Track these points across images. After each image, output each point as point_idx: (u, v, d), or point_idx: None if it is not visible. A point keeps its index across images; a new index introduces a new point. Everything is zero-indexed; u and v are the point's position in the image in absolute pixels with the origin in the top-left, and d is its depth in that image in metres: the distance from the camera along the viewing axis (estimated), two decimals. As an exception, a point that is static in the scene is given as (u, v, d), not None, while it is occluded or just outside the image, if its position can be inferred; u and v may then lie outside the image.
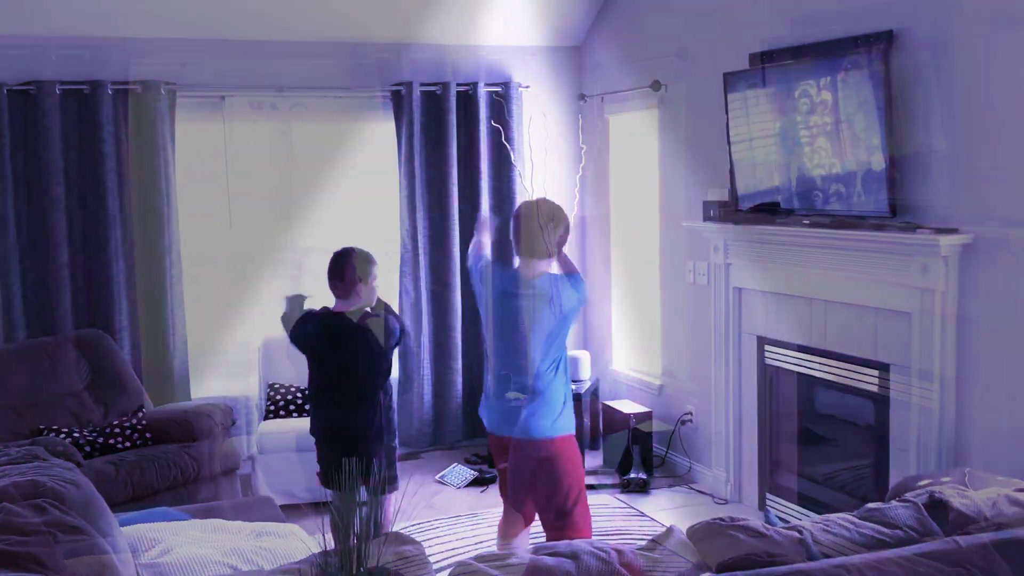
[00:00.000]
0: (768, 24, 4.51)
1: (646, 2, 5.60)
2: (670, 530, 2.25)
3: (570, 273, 3.49)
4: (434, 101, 5.85)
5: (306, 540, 3.23)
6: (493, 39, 6.00)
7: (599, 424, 5.81)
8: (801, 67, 4.15)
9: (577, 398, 5.45)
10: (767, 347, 4.66)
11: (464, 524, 4.78)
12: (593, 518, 3.60)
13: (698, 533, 2.22)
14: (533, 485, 3.47)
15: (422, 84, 5.80)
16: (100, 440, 4.56)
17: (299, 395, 5.37)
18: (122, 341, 5.29)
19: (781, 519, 4.41)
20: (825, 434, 4.58)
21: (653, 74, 5.45)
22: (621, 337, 6.17)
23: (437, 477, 5.48)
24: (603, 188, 6.16)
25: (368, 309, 3.73)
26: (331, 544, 1.97)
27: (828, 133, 4.04)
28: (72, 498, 2.55)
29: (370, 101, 5.82)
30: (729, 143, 4.62)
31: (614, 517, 4.83)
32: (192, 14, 5.27)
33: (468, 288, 6.03)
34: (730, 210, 4.68)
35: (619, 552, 2.10)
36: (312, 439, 3.88)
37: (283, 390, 5.38)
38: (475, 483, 5.38)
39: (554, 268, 3.49)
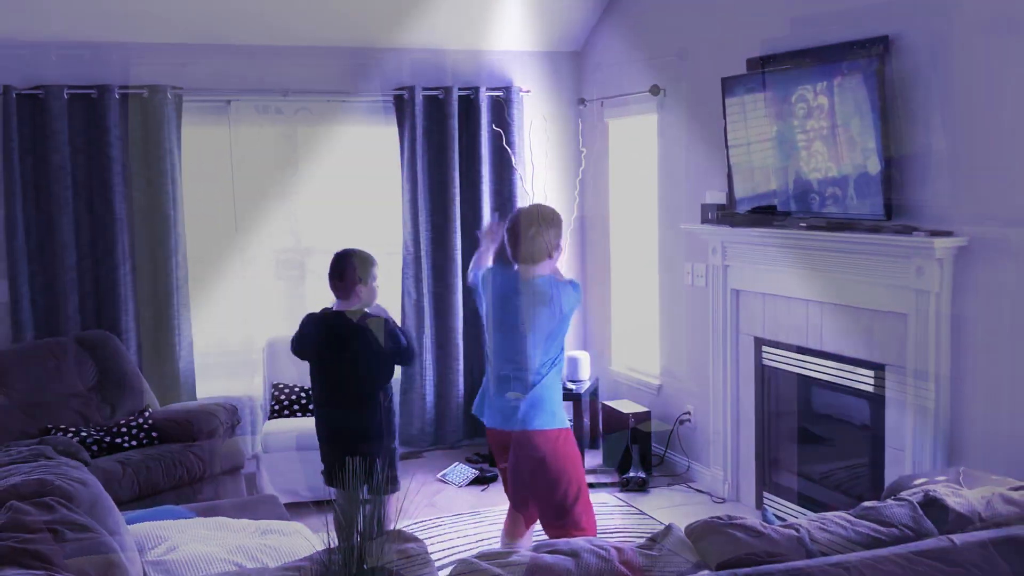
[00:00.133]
0: (766, 29, 4.55)
1: (645, 7, 5.64)
2: (669, 528, 2.26)
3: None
4: (436, 105, 5.90)
5: (310, 538, 3.26)
6: (494, 44, 6.04)
7: (599, 424, 5.85)
8: (798, 72, 4.19)
9: (577, 398, 5.49)
10: (764, 348, 4.71)
11: (466, 522, 4.82)
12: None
13: (697, 531, 2.23)
14: (533, 481, 3.50)
15: (424, 88, 5.85)
16: (107, 439, 4.61)
17: (303, 395, 5.42)
18: (128, 342, 5.33)
19: (778, 517, 4.46)
20: (822, 434, 4.61)
21: (652, 79, 5.49)
22: (620, 338, 6.21)
23: (439, 476, 5.53)
24: (603, 191, 6.20)
25: (366, 310, 3.77)
26: (335, 542, 2.00)
27: (825, 137, 4.09)
28: (79, 496, 2.56)
29: (373, 105, 5.87)
30: (727, 147, 4.67)
31: (613, 515, 4.87)
32: (198, 19, 5.32)
33: (469, 289, 6.07)
34: (728, 213, 4.72)
35: (619, 550, 2.12)
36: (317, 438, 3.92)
37: (287, 390, 5.43)
38: (476, 482, 5.43)
39: (551, 270, 3.53)
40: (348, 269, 3.71)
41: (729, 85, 4.60)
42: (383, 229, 5.96)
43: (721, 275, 4.91)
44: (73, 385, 4.84)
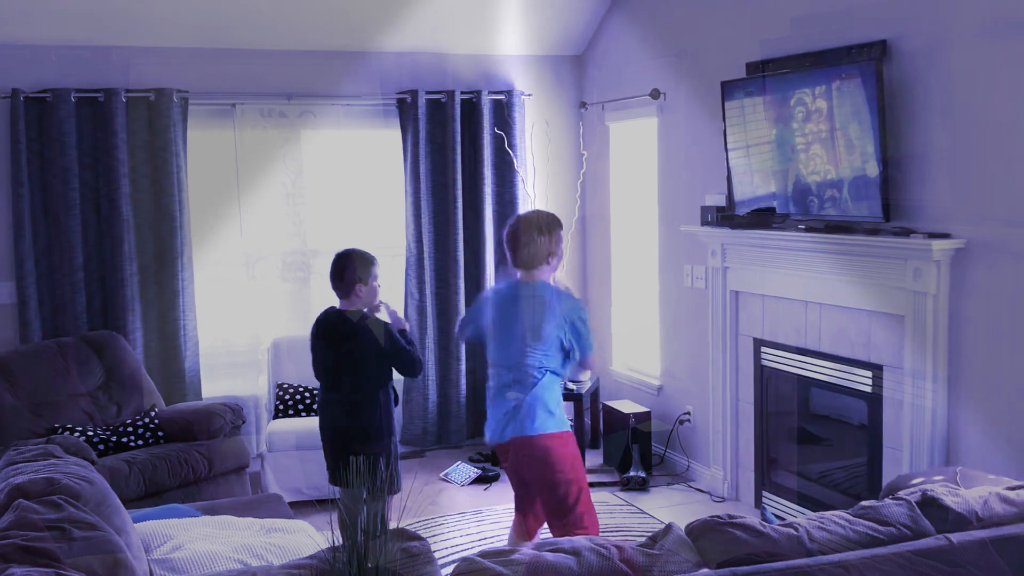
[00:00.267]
0: (765, 33, 4.58)
1: (646, 13, 5.66)
2: (669, 527, 2.26)
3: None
4: (439, 108, 5.93)
5: (314, 536, 3.29)
6: (496, 48, 6.07)
7: (599, 424, 5.88)
8: (797, 75, 4.22)
9: (578, 398, 5.52)
10: (763, 349, 4.73)
11: (468, 521, 4.85)
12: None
13: (696, 530, 2.24)
14: (534, 483, 3.53)
15: (427, 92, 5.88)
16: (113, 439, 4.64)
17: (307, 395, 5.45)
18: (135, 342, 5.37)
19: (777, 517, 4.49)
20: (820, 433, 4.64)
21: (652, 82, 5.52)
22: (621, 339, 6.24)
23: (441, 475, 5.56)
24: (603, 193, 6.22)
25: (364, 310, 3.80)
26: (339, 540, 2.02)
27: (823, 140, 4.12)
28: (86, 495, 2.57)
29: (376, 108, 5.90)
30: (726, 150, 4.70)
31: (614, 514, 4.89)
32: (204, 23, 5.35)
33: (471, 290, 6.11)
34: (727, 215, 4.74)
35: (619, 548, 2.13)
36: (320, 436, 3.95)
37: (291, 390, 5.46)
38: (478, 481, 5.46)
39: (550, 275, 3.54)
40: (348, 269, 3.74)
41: (729, 89, 4.62)
42: (386, 231, 6.00)
43: (720, 277, 4.94)
44: (80, 385, 4.87)
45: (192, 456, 4.56)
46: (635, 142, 5.94)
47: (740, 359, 4.90)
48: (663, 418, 5.63)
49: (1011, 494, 2.51)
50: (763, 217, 4.50)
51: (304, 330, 5.67)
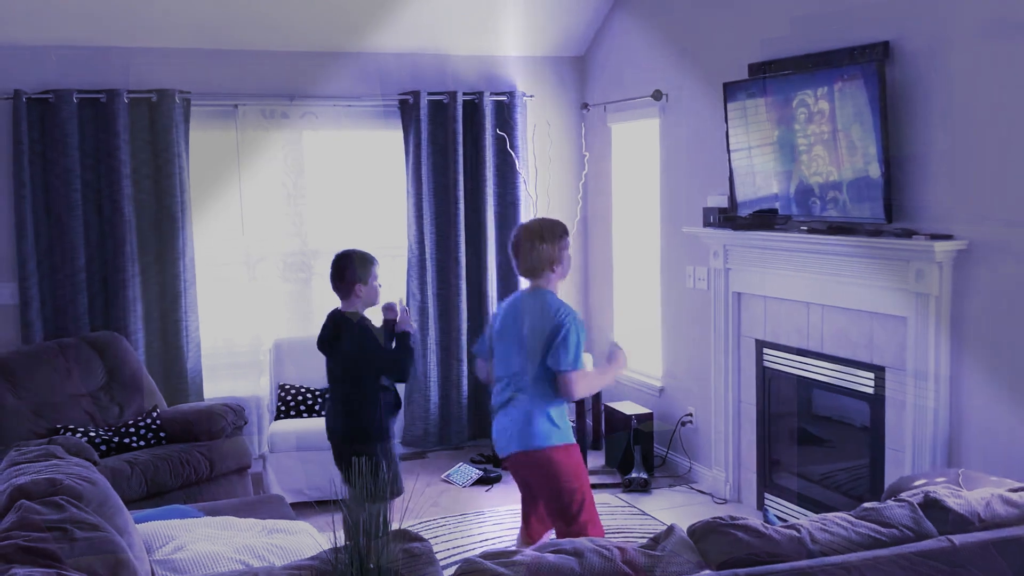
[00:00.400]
0: (767, 35, 4.58)
1: (648, 14, 5.67)
2: (671, 529, 2.27)
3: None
4: (441, 110, 5.93)
5: (316, 537, 3.30)
6: (498, 49, 6.08)
7: (601, 425, 5.88)
8: (799, 77, 4.22)
9: (580, 400, 5.52)
10: (766, 350, 4.73)
11: (470, 522, 4.85)
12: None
13: (698, 532, 2.25)
14: (539, 495, 3.52)
15: (429, 93, 5.89)
16: (115, 439, 4.64)
17: (309, 395, 5.46)
18: (137, 343, 5.37)
19: (779, 518, 4.48)
20: (822, 435, 4.64)
21: (654, 84, 5.53)
22: (623, 340, 6.20)
23: (443, 476, 5.56)
24: (605, 194, 6.23)
25: (363, 312, 3.81)
26: (341, 541, 2.02)
27: (825, 141, 4.12)
28: (88, 495, 2.57)
29: (378, 109, 5.90)
30: (728, 151, 4.70)
31: (616, 516, 4.89)
32: (206, 24, 5.36)
33: (472, 291, 6.12)
34: (729, 216, 4.75)
35: (621, 550, 2.13)
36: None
37: (293, 390, 5.46)
38: (480, 482, 5.46)
39: (556, 283, 3.50)
40: (347, 270, 3.75)
41: (731, 90, 4.63)
42: (388, 232, 6.01)
43: (723, 278, 4.94)
44: (81, 386, 4.88)
45: (194, 457, 4.57)
46: (637, 143, 5.94)
47: (742, 360, 4.90)
48: (665, 419, 5.63)
49: (1013, 496, 2.51)
50: (765, 218, 4.50)
51: (306, 331, 5.71)
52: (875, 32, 3.95)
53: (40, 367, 4.80)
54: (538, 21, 5.98)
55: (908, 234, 3.77)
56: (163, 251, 5.45)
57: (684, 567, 2.12)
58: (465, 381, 6.08)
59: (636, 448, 5.41)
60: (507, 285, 6.16)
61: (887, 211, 3.86)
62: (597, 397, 5.93)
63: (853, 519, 2.35)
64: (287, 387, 5.48)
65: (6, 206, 5.23)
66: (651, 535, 2.28)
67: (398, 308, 3.82)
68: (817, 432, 4.65)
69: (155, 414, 4.87)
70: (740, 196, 4.68)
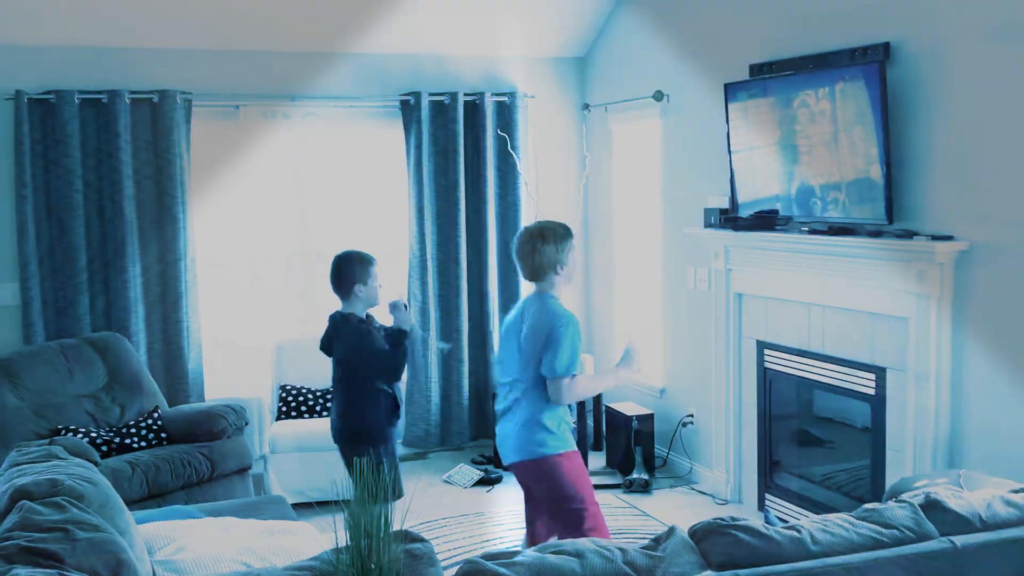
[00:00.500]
0: (768, 35, 4.59)
1: (649, 14, 5.67)
2: (672, 530, 2.26)
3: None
4: (442, 110, 5.94)
5: (318, 538, 3.30)
6: (500, 50, 6.08)
7: (602, 426, 5.88)
8: (800, 77, 4.22)
9: (581, 401, 5.52)
10: (767, 351, 4.73)
11: (471, 523, 4.85)
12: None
13: (700, 532, 2.25)
14: (538, 503, 3.51)
15: (430, 94, 5.89)
16: (116, 440, 4.65)
17: (310, 396, 5.46)
18: (138, 343, 5.38)
19: (780, 519, 4.48)
20: (823, 436, 4.64)
21: (656, 84, 5.53)
22: (624, 341, 6.22)
23: (444, 477, 5.56)
24: (606, 195, 6.23)
25: (367, 313, 3.81)
26: (342, 542, 2.02)
27: (827, 142, 4.12)
28: (90, 496, 2.57)
29: (380, 110, 5.91)
30: (730, 151, 4.70)
31: (617, 517, 4.89)
32: (207, 24, 5.36)
33: (473, 292, 6.13)
34: (731, 217, 4.75)
35: (623, 551, 2.14)
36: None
37: (295, 391, 5.47)
38: (481, 483, 5.46)
39: (560, 286, 3.45)
40: (345, 271, 3.76)
41: (732, 90, 4.63)
42: (389, 232, 6.01)
43: (724, 279, 4.94)
44: (83, 386, 4.89)
45: (195, 457, 4.57)
46: (638, 144, 5.95)
47: (743, 361, 4.90)
48: (666, 420, 5.63)
49: (1015, 497, 2.51)
50: (766, 219, 4.50)
51: (307, 332, 5.71)
52: (876, 33, 3.95)
53: (41, 368, 4.81)
54: (539, 22, 5.98)
55: (909, 235, 3.77)
56: (165, 252, 5.46)
57: (685, 568, 2.12)
58: (466, 382, 6.09)
59: (637, 449, 5.41)
60: (508, 286, 6.17)
61: (888, 212, 3.86)
62: (598, 398, 5.93)
63: (854, 520, 2.35)
64: (288, 388, 5.48)
65: (8, 207, 5.23)
66: (652, 536, 2.28)
67: (400, 305, 3.82)
68: (818, 433, 4.65)
69: (156, 415, 4.87)
70: (741, 197, 4.68)
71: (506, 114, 6.06)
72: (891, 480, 3.93)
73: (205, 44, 5.50)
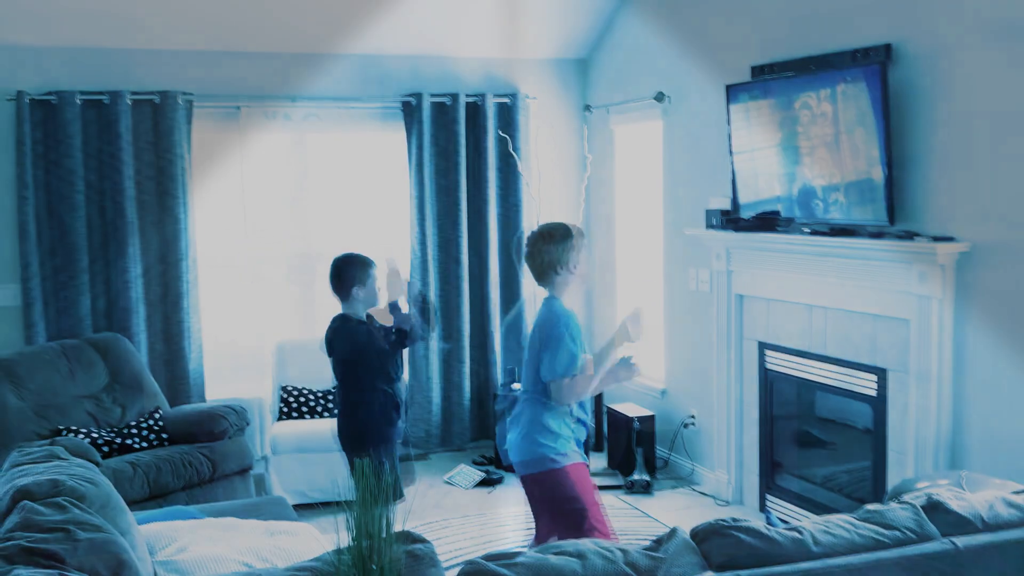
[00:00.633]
0: (769, 37, 4.59)
1: (651, 16, 5.67)
2: (674, 531, 2.27)
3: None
4: (443, 111, 5.94)
5: (319, 539, 3.30)
6: (501, 51, 6.09)
7: (603, 427, 5.88)
8: (802, 79, 4.22)
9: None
10: (768, 352, 4.73)
11: (472, 524, 4.85)
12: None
13: (701, 534, 2.24)
14: (539, 503, 3.49)
15: (432, 95, 5.89)
16: (118, 440, 4.65)
17: (311, 397, 5.46)
18: (139, 344, 5.38)
19: (782, 520, 4.48)
20: (824, 437, 4.64)
21: (657, 86, 5.53)
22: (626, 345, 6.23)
23: (445, 478, 5.56)
24: (608, 197, 6.23)
25: (368, 313, 3.81)
26: (343, 542, 2.02)
27: (828, 144, 4.12)
28: (91, 497, 2.57)
29: (381, 111, 5.91)
30: (731, 153, 4.70)
31: (618, 518, 4.88)
32: (209, 26, 5.37)
33: (475, 293, 6.13)
34: (732, 218, 4.75)
35: (624, 552, 2.14)
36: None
37: (296, 392, 5.47)
38: (482, 483, 5.46)
39: (566, 288, 3.40)
40: (344, 272, 3.77)
41: (733, 92, 4.63)
42: (391, 233, 6.01)
43: (725, 280, 4.94)
44: (84, 387, 4.89)
45: (196, 458, 4.58)
46: (640, 145, 5.95)
47: (744, 362, 4.90)
48: (667, 421, 5.62)
49: (1017, 498, 2.51)
50: (768, 220, 4.50)
51: (308, 332, 5.72)
52: (878, 34, 3.95)
53: (43, 368, 4.81)
54: (541, 23, 5.98)
55: (911, 236, 3.77)
56: (166, 252, 5.46)
57: (687, 569, 2.12)
58: (467, 383, 6.09)
59: (638, 450, 5.41)
60: (509, 287, 6.17)
61: (889, 213, 3.86)
62: (599, 399, 5.93)
63: (856, 521, 2.35)
64: (290, 389, 5.48)
65: (9, 207, 5.24)
66: (653, 537, 2.28)
67: (401, 274, 3.81)
68: (819, 434, 4.64)
69: (157, 415, 4.88)
70: (743, 198, 4.68)
71: (508, 115, 6.06)
72: (892, 481, 3.93)
73: (207, 45, 5.51)
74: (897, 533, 2.30)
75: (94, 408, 4.86)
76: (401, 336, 3.79)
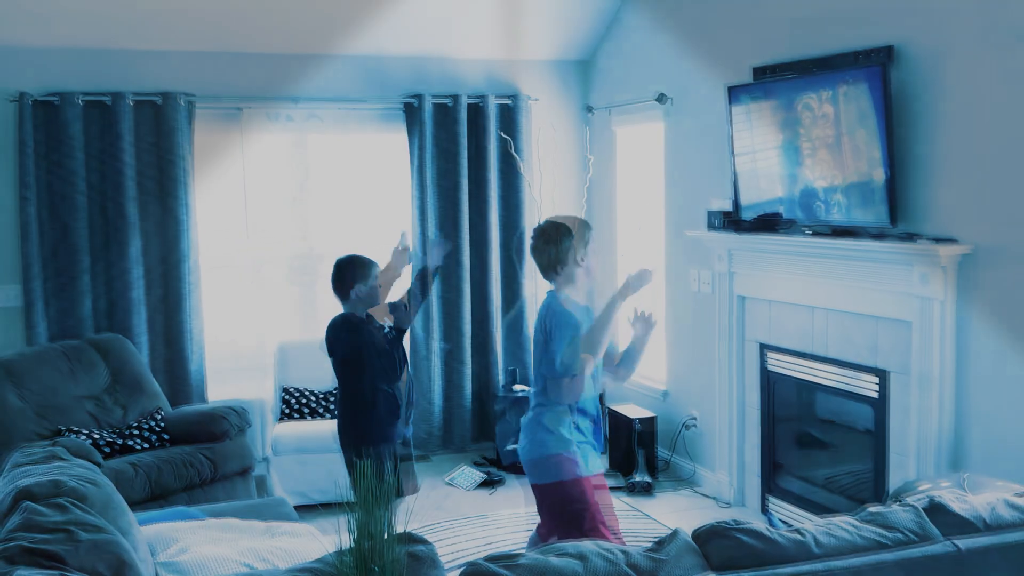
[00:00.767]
0: (771, 38, 4.59)
1: (652, 17, 5.67)
2: (675, 532, 2.27)
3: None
4: (445, 113, 5.94)
5: (320, 539, 3.30)
6: (503, 53, 6.09)
7: (605, 428, 5.87)
8: (803, 80, 4.22)
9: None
10: (769, 353, 4.73)
11: (474, 525, 4.85)
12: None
13: (703, 535, 2.24)
14: (542, 507, 3.49)
15: (434, 96, 5.90)
16: (119, 441, 4.65)
17: (312, 398, 5.46)
18: (140, 345, 5.38)
19: (783, 522, 4.48)
20: (826, 439, 4.64)
21: (659, 87, 5.53)
22: (626, 343, 6.22)
23: (446, 479, 5.56)
24: (610, 198, 6.23)
25: (368, 313, 3.82)
26: (345, 544, 2.02)
27: (830, 145, 4.12)
28: (92, 497, 2.58)
29: (383, 112, 5.92)
30: (733, 154, 4.70)
31: (619, 519, 4.87)
32: (211, 27, 5.37)
33: (476, 294, 6.13)
34: (734, 220, 4.75)
35: (625, 553, 2.14)
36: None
37: (297, 393, 5.47)
38: (484, 485, 5.46)
39: (568, 285, 3.38)
40: (344, 273, 3.78)
41: (735, 93, 4.63)
42: (392, 235, 6.00)
43: (727, 281, 4.94)
44: (86, 387, 4.89)
45: (197, 459, 4.58)
46: (641, 146, 5.95)
47: (746, 364, 4.90)
48: (668, 423, 5.62)
49: (1019, 500, 2.51)
50: (769, 222, 4.50)
51: (310, 333, 5.72)
52: (880, 35, 3.95)
53: (44, 369, 4.81)
54: (542, 25, 5.98)
55: (912, 238, 3.77)
56: (167, 253, 5.46)
57: (688, 571, 2.11)
58: (469, 384, 6.09)
59: (639, 451, 5.40)
60: (511, 288, 6.17)
61: (891, 214, 3.85)
62: (600, 400, 5.91)
63: (857, 523, 2.35)
64: (291, 390, 5.49)
65: (11, 208, 5.24)
66: (655, 538, 2.28)
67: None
68: (821, 436, 4.64)
69: (159, 416, 4.88)
70: (744, 199, 4.68)
71: (509, 116, 6.06)
72: (894, 483, 3.93)
73: (208, 46, 5.51)
74: (899, 535, 2.30)
75: (95, 409, 4.86)
76: (400, 335, 3.79)
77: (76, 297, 5.28)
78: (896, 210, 3.85)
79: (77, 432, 4.63)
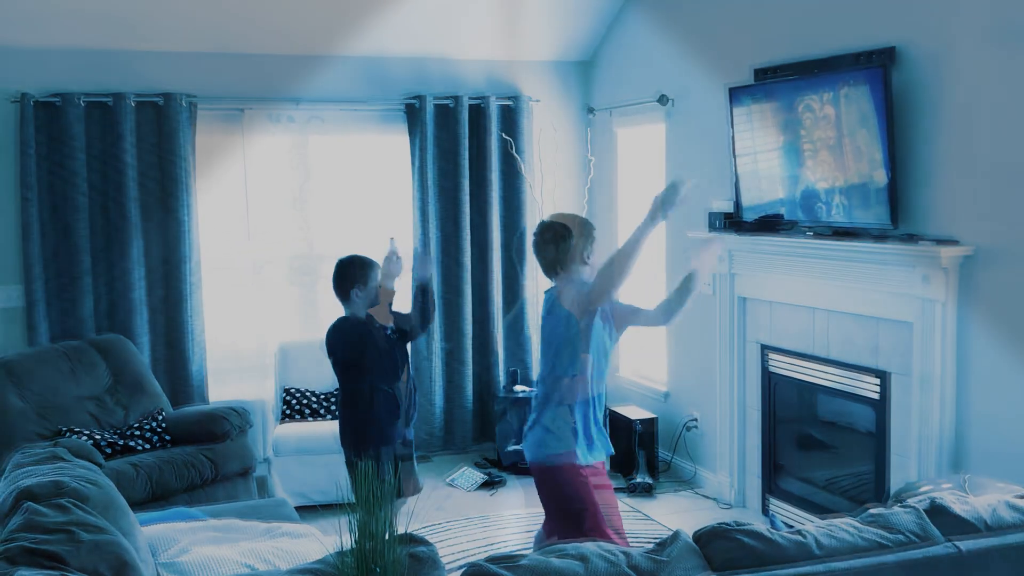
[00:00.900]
0: (772, 39, 4.59)
1: (653, 18, 5.67)
2: (676, 534, 2.27)
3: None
4: (446, 113, 5.95)
5: (322, 540, 3.29)
6: (504, 53, 6.09)
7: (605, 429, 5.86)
8: (805, 82, 4.22)
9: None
10: (770, 355, 4.73)
11: (475, 526, 4.85)
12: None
13: (704, 537, 2.24)
14: (547, 508, 3.49)
15: (435, 97, 5.90)
16: (120, 442, 4.65)
17: (313, 399, 5.46)
18: (142, 345, 5.39)
19: (785, 523, 4.48)
20: (827, 440, 4.63)
21: (660, 88, 5.53)
22: (628, 344, 6.23)
23: (447, 480, 5.56)
24: (611, 199, 6.23)
25: (368, 313, 3.82)
26: (346, 545, 2.02)
27: (831, 146, 4.12)
28: (93, 498, 2.58)
29: (384, 113, 5.92)
30: (734, 155, 4.70)
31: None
32: (212, 28, 5.38)
33: (477, 295, 6.13)
34: (735, 221, 4.75)
35: (627, 554, 2.14)
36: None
37: (298, 394, 5.47)
38: (485, 485, 5.46)
39: (574, 286, 3.34)
40: (345, 274, 3.78)
41: (736, 94, 4.63)
42: (393, 235, 5.99)
43: (728, 283, 4.94)
44: (87, 388, 4.89)
45: (198, 460, 4.58)
46: (642, 147, 5.95)
47: (747, 365, 4.90)
48: (669, 424, 5.62)
49: (1020, 501, 2.51)
50: (771, 223, 4.50)
51: (311, 334, 5.72)
52: (881, 37, 3.95)
53: (45, 369, 4.81)
54: (544, 25, 5.99)
55: (914, 239, 3.77)
56: (169, 254, 5.46)
57: (689, 572, 2.11)
58: (469, 385, 6.09)
59: (640, 453, 5.40)
60: (512, 289, 6.17)
61: (892, 216, 3.85)
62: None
63: (859, 524, 2.35)
64: (292, 391, 5.49)
65: (12, 209, 5.25)
66: (656, 540, 2.28)
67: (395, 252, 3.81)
68: (822, 437, 4.64)
69: (160, 417, 4.88)
70: (745, 201, 4.68)
71: (510, 117, 6.06)
72: (895, 484, 3.92)
73: (210, 47, 5.51)
74: (900, 536, 2.30)
75: (96, 409, 4.86)
76: (402, 336, 3.80)
77: (77, 298, 5.29)
78: (897, 211, 3.85)
79: (78, 432, 4.63)
